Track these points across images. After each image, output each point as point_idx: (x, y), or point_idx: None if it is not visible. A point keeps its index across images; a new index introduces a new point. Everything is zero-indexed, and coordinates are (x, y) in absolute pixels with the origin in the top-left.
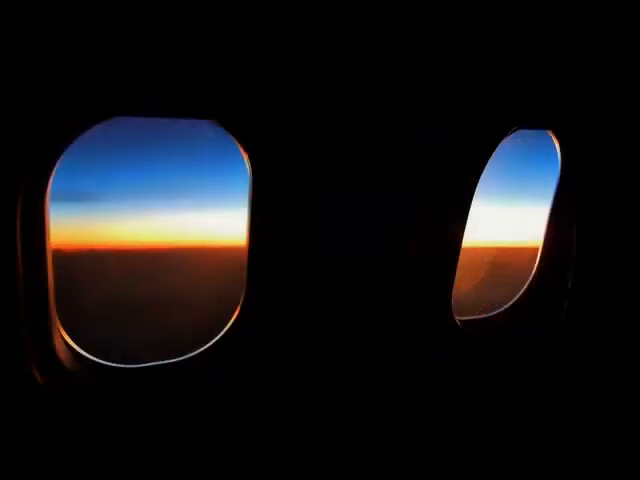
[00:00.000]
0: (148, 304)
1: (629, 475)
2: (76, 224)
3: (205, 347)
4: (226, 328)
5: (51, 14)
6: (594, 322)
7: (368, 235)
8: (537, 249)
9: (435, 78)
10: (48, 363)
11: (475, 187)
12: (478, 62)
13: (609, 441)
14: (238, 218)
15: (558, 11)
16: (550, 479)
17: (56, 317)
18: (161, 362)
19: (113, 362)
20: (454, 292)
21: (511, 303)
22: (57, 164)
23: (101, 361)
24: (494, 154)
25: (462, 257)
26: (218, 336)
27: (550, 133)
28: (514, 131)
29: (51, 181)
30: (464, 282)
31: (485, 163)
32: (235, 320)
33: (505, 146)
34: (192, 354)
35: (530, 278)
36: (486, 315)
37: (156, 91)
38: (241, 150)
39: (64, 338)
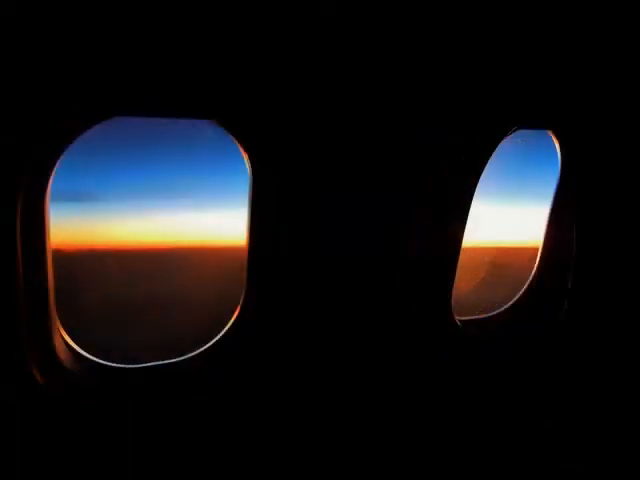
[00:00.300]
0: (148, 304)
1: (629, 475)
2: (76, 224)
3: (205, 347)
4: (226, 328)
5: (51, 14)
6: (594, 322)
7: (368, 235)
8: (537, 249)
9: (435, 78)
10: (48, 363)
11: (475, 187)
12: (478, 62)
13: (609, 441)
14: (238, 218)
15: (558, 11)
16: (550, 479)
17: (56, 317)
18: (161, 362)
19: (113, 362)
20: (454, 292)
21: (511, 303)
22: (57, 164)
23: (101, 361)
24: (494, 154)
25: (462, 257)
26: (218, 336)
27: (550, 133)
28: (514, 131)
29: (51, 181)
30: (464, 282)
31: (485, 163)
32: (235, 320)
33: (505, 146)
34: (192, 354)
35: (530, 278)
36: (486, 315)
37: (156, 91)
38: (241, 150)
39: (64, 338)
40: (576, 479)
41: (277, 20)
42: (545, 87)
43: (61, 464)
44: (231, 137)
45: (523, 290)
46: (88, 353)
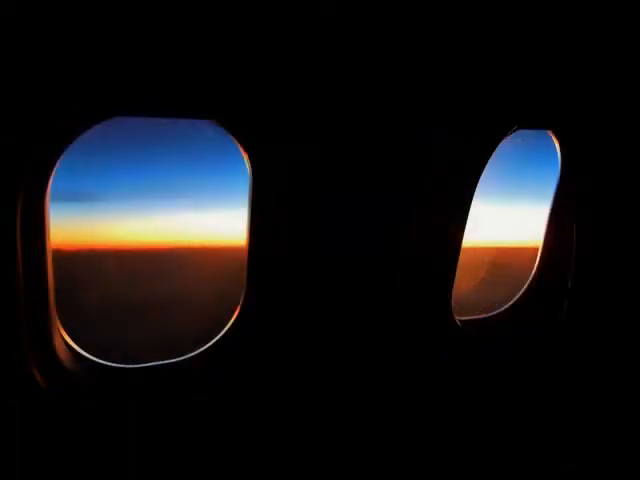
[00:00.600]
0: (148, 304)
1: (629, 475)
2: (76, 224)
3: (205, 347)
4: (226, 328)
5: (51, 14)
6: (594, 322)
7: (368, 235)
8: (537, 249)
9: (435, 78)
10: (48, 363)
11: (475, 187)
12: (478, 62)
13: (609, 441)
14: (238, 218)
15: (558, 11)
16: (550, 479)
17: (56, 317)
18: (161, 362)
19: (113, 362)
20: (454, 292)
21: (511, 303)
22: (57, 164)
23: (101, 361)
24: (494, 154)
25: (462, 257)
26: (218, 336)
27: (550, 133)
28: (514, 131)
29: (51, 181)
30: (464, 282)
31: (485, 163)
32: (235, 320)
33: (505, 146)
34: (192, 354)
35: (530, 278)
36: (486, 315)
37: (156, 91)
38: (241, 150)
39: (64, 338)
40: (576, 479)
41: (277, 20)
42: (545, 87)
43: (61, 464)
44: (231, 137)
45: (523, 290)
46: (88, 353)
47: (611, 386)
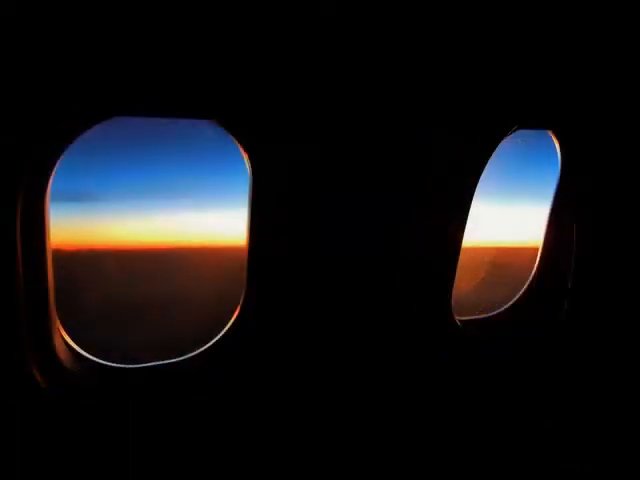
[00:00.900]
0: (148, 304)
1: (629, 475)
2: (76, 224)
3: (205, 347)
4: (226, 328)
5: (51, 14)
6: (594, 322)
7: (368, 235)
8: (537, 249)
9: (435, 78)
10: (48, 363)
11: (475, 187)
12: (478, 62)
13: (609, 441)
14: (238, 218)
15: (558, 11)
16: (550, 479)
17: (56, 317)
18: (161, 362)
19: (113, 362)
20: (454, 292)
21: (511, 303)
22: (57, 164)
23: (101, 361)
24: (494, 154)
25: (462, 257)
26: (218, 336)
27: (550, 133)
28: (514, 131)
29: (51, 181)
30: (464, 282)
31: (485, 163)
32: (235, 320)
33: (505, 146)
34: (192, 354)
35: (530, 278)
36: (486, 315)
37: (156, 91)
38: (241, 150)
39: (64, 338)
40: (576, 479)
41: (277, 20)
42: (545, 87)
43: (61, 464)
44: (231, 137)
45: (523, 290)
46: (88, 353)
47: (611, 386)
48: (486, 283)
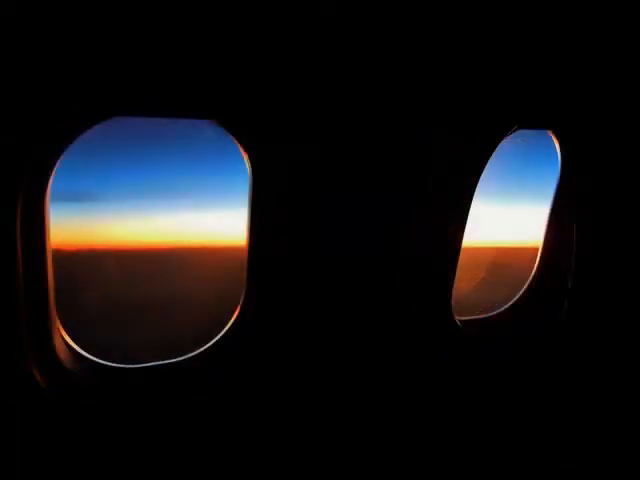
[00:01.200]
0: (148, 304)
1: (629, 475)
2: (76, 224)
3: (205, 347)
4: (226, 328)
5: (51, 14)
6: (594, 322)
7: (368, 235)
8: (537, 249)
9: (435, 78)
10: (48, 363)
11: (475, 187)
12: (478, 62)
13: (609, 441)
14: (238, 218)
15: (558, 11)
16: (550, 479)
17: (56, 317)
18: (161, 362)
19: (113, 362)
20: (454, 292)
21: (511, 303)
22: (57, 164)
23: (101, 361)
24: (494, 154)
25: (462, 257)
26: (218, 336)
27: (550, 133)
28: (514, 131)
29: (51, 181)
30: (464, 282)
31: (485, 163)
32: (235, 320)
33: (505, 146)
34: (192, 354)
35: (530, 278)
36: (486, 315)
37: (156, 91)
38: (241, 150)
39: (64, 338)
40: (576, 479)
41: (277, 20)
42: (545, 87)
43: (61, 464)
44: (231, 137)
45: (523, 290)
46: (88, 353)
47: (611, 386)
48: (486, 283)
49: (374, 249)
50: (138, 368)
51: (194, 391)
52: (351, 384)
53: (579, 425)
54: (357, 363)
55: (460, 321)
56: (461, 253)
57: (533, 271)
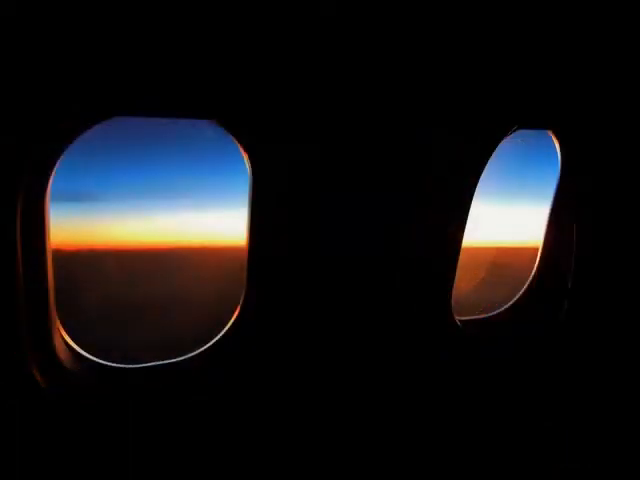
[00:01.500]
0: (148, 304)
1: (629, 475)
2: (76, 224)
3: (205, 347)
4: (226, 328)
5: (51, 14)
6: (594, 322)
7: (368, 235)
8: (537, 249)
9: (435, 78)
10: (48, 363)
11: (475, 187)
12: (478, 62)
13: (609, 441)
14: (238, 218)
15: (558, 11)
16: (550, 479)
17: (56, 317)
18: (161, 362)
19: (113, 362)
20: (454, 292)
21: (511, 303)
22: (57, 164)
23: (101, 361)
24: (494, 154)
25: (462, 257)
26: (218, 336)
27: (550, 133)
28: (514, 131)
29: (51, 181)
30: (464, 282)
31: (485, 163)
32: (235, 320)
33: (505, 146)
34: (192, 354)
35: (530, 278)
36: (486, 315)
37: (156, 91)
38: (241, 150)
39: (64, 338)
40: (576, 479)
41: (277, 20)
42: (545, 87)
43: (61, 464)
44: (231, 137)
45: (523, 290)
46: (88, 353)
47: (611, 386)
48: (486, 283)
49: (374, 249)
50: (138, 368)
51: (194, 391)
52: (351, 384)
53: (579, 425)
54: (357, 363)
55: (460, 321)
56: (461, 253)
57: (533, 271)
